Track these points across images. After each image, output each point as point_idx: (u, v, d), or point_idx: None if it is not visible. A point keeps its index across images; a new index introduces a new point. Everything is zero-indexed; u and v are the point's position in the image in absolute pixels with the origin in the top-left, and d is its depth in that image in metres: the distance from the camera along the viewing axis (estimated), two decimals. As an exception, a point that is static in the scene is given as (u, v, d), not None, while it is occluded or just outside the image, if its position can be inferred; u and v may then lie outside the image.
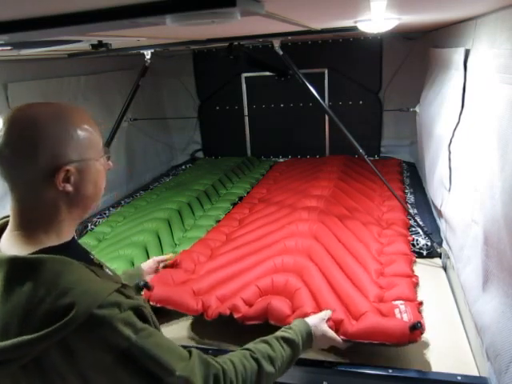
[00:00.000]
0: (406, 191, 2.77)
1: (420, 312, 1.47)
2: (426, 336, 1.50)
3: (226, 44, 2.34)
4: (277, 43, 2.10)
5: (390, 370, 1.32)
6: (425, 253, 2.04)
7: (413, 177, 3.08)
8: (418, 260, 2.03)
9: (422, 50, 3.01)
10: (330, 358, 1.40)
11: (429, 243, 2.03)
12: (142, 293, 1.53)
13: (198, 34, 1.75)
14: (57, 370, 0.76)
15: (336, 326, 1.37)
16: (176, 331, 1.59)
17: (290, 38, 2.33)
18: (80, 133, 0.83)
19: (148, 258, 2.05)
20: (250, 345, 1.06)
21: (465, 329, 1.53)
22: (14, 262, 0.78)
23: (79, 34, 1.27)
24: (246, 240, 2.07)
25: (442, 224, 2.09)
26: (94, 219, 2.57)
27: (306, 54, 3.44)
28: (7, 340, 0.74)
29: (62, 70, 2.63)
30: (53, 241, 0.84)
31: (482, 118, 1.39)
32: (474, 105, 1.55)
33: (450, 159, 1.84)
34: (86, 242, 2.27)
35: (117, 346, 0.77)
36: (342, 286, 1.58)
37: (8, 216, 0.87)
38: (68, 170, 0.81)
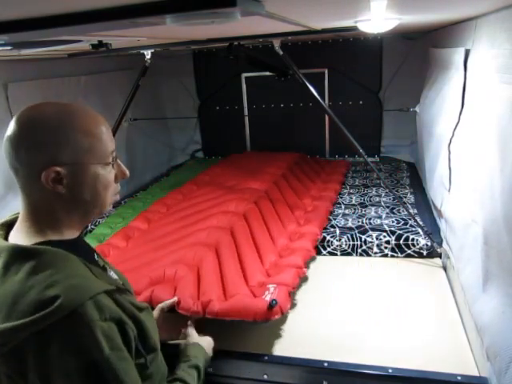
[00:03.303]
0: (406, 191, 2.77)
1: (290, 295, 1.61)
2: (426, 336, 1.50)
3: (226, 44, 2.34)
4: (277, 43, 2.10)
5: (390, 370, 1.32)
6: (425, 253, 2.04)
7: (413, 177, 3.08)
8: (418, 260, 2.03)
9: (422, 50, 3.00)
10: (330, 358, 1.40)
11: (429, 243, 2.03)
12: None
13: (198, 34, 1.75)
14: (27, 366, 0.76)
15: (203, 306, 1.47)
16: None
17: (289, 38, 2.33)
18: (80, 136, 0.83)
19: None
20: None
21: (465, 329, 1.53)
22: (12, 251, 0.81)
23: (79, 34, 1.27)
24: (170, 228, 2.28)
25: (442, 224, 2.09)
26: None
27: (306, 54, 3.44)
28: None
29: (62, 69, 2.63)
30: (56, 236, 0.86)
31: (482, 118, 1.39)
32: (474, 105, 1.55)
33: (449, 159, 1.84)
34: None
35: (87, 353, 0.76)
36: (230, 273, 1.74)
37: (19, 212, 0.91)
38: (58, 172, 0.81)
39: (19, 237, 0.85)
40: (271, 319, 1.46)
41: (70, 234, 0.89)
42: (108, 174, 0.89)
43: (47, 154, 0.81)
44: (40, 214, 0.85)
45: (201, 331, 1.36)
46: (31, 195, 0.85)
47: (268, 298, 1.52)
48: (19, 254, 0.80)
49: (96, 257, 0.97)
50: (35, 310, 0.74)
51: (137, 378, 0.84)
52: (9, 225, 0.90)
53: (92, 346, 0.76)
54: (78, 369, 0.76)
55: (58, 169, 0.81)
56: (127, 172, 0.94)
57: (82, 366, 0.76)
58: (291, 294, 1.65)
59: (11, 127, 0.82)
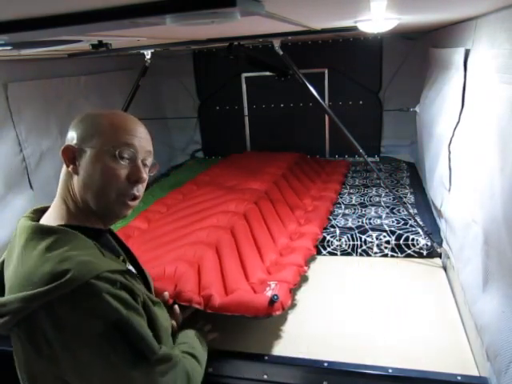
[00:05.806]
0: (406, 191, 2.78)
1: (290, 292, 1.62)
2: (426, 336, 1.50)
3: (226, 44, 2.34)
4: (277, 43, 2.10)
5: (390, 370, 1.32)
6: (425, 253, 2.04)
7: (413, 177, 3.08)
8: (418, 260, 2.03)
9: (422, 50, 3.00)
10: (330, 358, 1.40)
11: (429, 243, 2.03)
12: None
13: (198, 33, 1.75)
14: (45, 336, 0.82)
15: (205, 300, 1.50)
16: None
17: (289, 38, 2.33)
18: (106, 127, 0.95)
19: None
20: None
21: (465, 329, 1.53)
22: (31, 229, 0.90)
23: (79, 34, 1.27)
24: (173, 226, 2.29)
25: (442, 224, 2.09)
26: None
27: (306, 54, 3.44)
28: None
29: (62, 69, 2.63)
30: (75, 222, 0.95)
31: (482, 118, 1.39)
32: (474, 105, 1.55)
33: (450, 159, 1.84)
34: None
35: (106, 317, 0.83)
36: (231, 270, 1.75)
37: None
38: (71, 149, 0.94)
39: (46, 220, 0.95)
40: (272, 315, 1.46)
41: (93, 224, 0.98)
42: (116, 166, 0.94)
43: (73, 134, 0.96)
44: (62, 198, 0.96)
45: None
46: (60, 177, 0.98)
47: (269, 293, 1.52)
48: (37, 233, 0.89)
49: (120, 252, 1.07)
50: (48, 281, 0.80)
51: (150, 332, 0.91)
52: (42, 211, 1.01)
53: (107, 309, 0.82)
54: (100, 333, 0.82)
55: (71, 145, 0.95)
56: (143, 175, 0.98)
57: (104, 330, 0.82)
58: (292, 291, 1.65)
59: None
